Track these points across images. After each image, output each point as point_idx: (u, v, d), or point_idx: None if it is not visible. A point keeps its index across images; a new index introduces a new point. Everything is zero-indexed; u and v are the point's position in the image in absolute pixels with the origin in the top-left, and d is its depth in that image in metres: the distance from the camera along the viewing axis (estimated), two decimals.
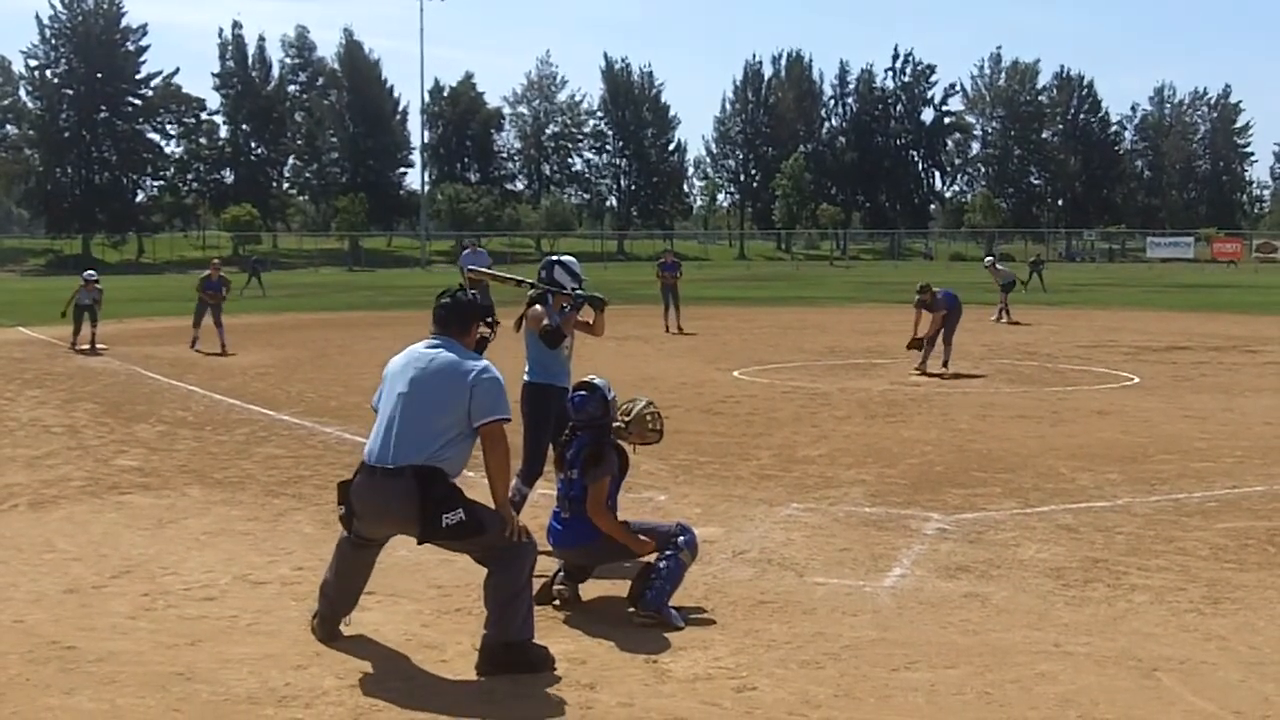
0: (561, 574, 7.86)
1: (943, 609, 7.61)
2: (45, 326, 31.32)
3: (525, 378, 9.26)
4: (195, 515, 10.39)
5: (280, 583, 8.32)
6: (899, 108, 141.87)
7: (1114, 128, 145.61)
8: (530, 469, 9.22)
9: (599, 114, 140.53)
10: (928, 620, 7.40)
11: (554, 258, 9.55)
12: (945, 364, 20.84)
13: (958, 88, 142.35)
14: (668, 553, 7.57)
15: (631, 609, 7.52)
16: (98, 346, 26.01)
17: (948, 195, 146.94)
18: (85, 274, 28.09)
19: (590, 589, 7.95)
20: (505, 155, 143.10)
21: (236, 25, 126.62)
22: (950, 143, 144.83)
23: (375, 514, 6.70)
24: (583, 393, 7.91)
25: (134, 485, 11.74)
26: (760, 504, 10.58)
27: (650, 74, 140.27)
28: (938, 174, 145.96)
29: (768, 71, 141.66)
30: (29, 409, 17.23)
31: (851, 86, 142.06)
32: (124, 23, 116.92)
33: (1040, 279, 53.07)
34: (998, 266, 36.63)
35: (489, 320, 7.45)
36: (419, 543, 6.74)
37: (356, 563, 7.09)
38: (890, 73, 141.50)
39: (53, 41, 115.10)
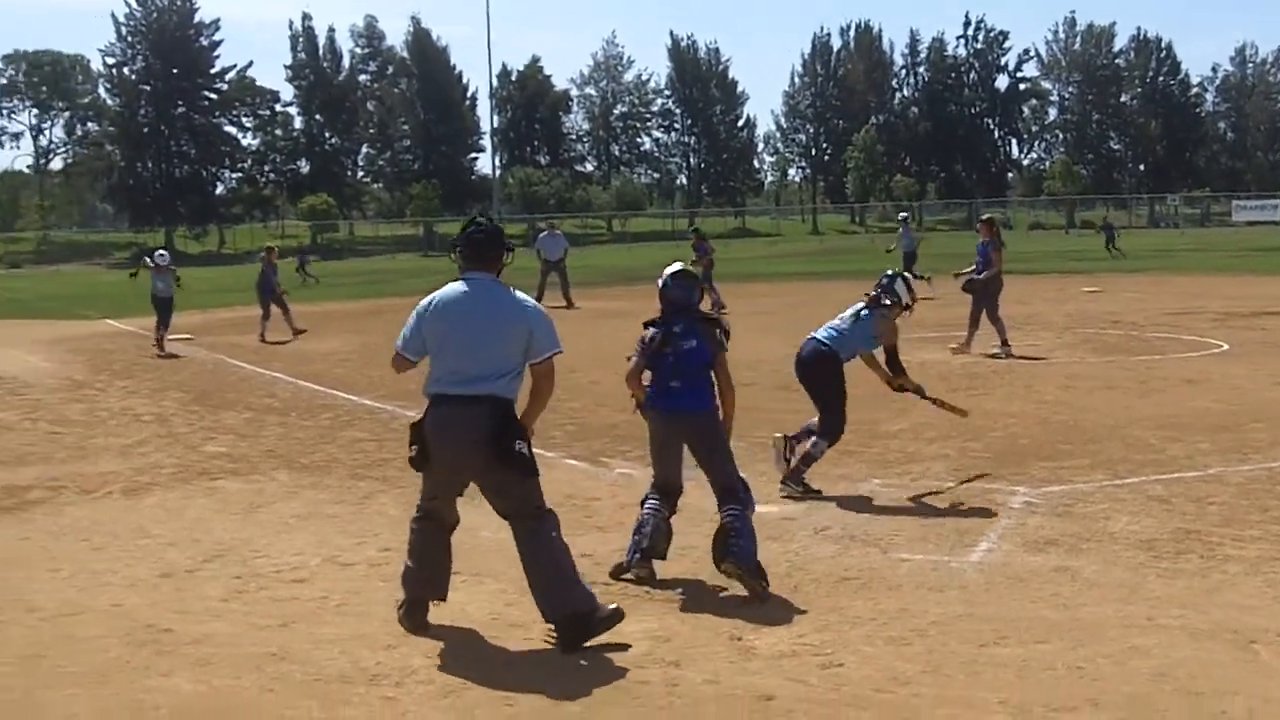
0: (637, 555, 7.91)
1: (1031, 584, 7.53)
2: (132, 318, 31.70)
3: (829, 348, 10.47)
4: (283, 499, 10.53)
5: (368, 564, 8.41)
6: (972, 76, 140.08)
7: (1194, 90, 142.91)
8: (841, 430, 10.46)
9: (666, 92, 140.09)
10: (1016, 595, 7.33)
11: (894, 273, 10.89)
12: (968, 344, 19.80)
13: (1032, 53, 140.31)
14: (734, 509, 7.78)
15: (723, 566, 7.64)
16: (167, 345, 23.90)
17: (1025, 163, 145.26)
18: (156, 255, 25.85)
19: (667, 568, 7.94)
20: (574, 137, 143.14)
21: (306, 17, 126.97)
22: (1026, 109, 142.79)
23: (451, 441, 6.88)
24: (687, 281, 8.34)
25: (223, 471, 11.90)
26: (841, 480, 10.52)
27: (717, 50, 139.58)
28: (1014, 142, 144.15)
29: (836, 43, 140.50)
30: (120, 398, 17.47)
31: (923, 56, 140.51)
32: (197, 18, 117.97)
33: (1113, 245, 52.42)
34: (912, 228, 34.84)
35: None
36: (483, 476, 6.91)
37: (432, 545, 7.20)
38: (962, 40, 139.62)
39: (129, 39, 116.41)
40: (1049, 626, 6.73)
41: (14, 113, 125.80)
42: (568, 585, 6.79)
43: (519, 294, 7.17)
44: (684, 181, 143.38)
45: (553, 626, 6.77)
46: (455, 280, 7.22)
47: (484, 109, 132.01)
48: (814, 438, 10.31)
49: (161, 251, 26.61)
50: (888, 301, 10.65)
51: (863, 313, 10.63)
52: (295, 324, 26.15)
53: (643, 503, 8.21)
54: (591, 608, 6.73)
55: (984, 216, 21.94)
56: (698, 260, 31.11)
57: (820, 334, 10.67)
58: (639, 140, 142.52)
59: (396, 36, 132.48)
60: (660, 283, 8.33)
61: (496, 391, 6.85)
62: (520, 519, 6.92)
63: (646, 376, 8.11)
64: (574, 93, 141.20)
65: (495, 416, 6.79)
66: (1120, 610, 6.98)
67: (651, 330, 8.22)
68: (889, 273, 11.00)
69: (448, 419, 6.89)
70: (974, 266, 20.32)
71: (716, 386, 8.16)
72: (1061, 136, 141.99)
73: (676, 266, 8.46)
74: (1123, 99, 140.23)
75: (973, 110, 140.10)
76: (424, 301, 7.31)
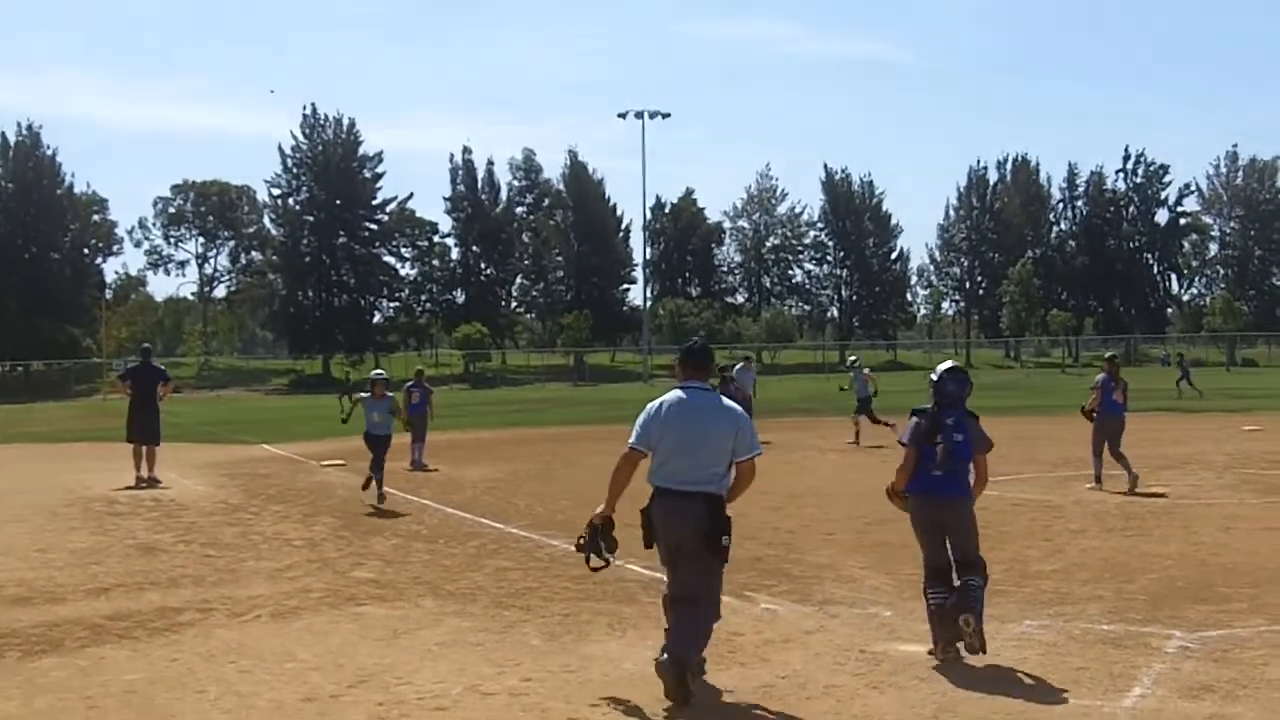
0: (940, 644, 8.99)
1: None
2: (288, 443, 32.43)
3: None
4: (428, 626, 10.58)
5: (509, 693, 8.39)
6: (1131, 209, 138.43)
7: None
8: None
9: (819, 225, 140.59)
10: None
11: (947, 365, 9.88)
12: (1098, 477, 19.81)
13: (1193, 188, 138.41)
14: (975, 580, 9.02)
15: (961, 617, 8.79)
16: (384, 490, 19.79)
17: (1185, 298, 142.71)
18: (373, 373, 20.88)
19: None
20: (726, 269, 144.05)
21: (467, 150, 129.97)
22: (1186, 244, 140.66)
23: (674, 529, 8.17)
24: (960, 375, 9.38)
25: (370, 597, 12.01)
26: (991, 620, 10.26)
27: (870, 183, 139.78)
28: (1174, 276, 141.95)
29: (993, 176, 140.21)
30: (272, 523, 17.78)
31: (1081, 189, 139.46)
32: (361, 151, 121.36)
33: (1188, 382, 51.62)
34: (865, 372, 32.40)
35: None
36: (689, 558, 8.15)
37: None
38: (1121, 174, 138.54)
39: (294, 170, 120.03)
40: None
41: (181, 241, 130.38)
42: (703, 642, 8.16)
43: (727, 401, 8.58)
44: (835, 314, 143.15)
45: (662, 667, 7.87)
46: (675, 388, 8.56)
47: (637, 240, 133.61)
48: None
49: (378, 371, 21.19)
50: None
51: None
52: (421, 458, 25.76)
53: (925, 594, 9.19)
54: (690, 666, 7.96)
55: (1107, 354, 21.97)
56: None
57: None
58: (791, 272, 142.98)
59: (553, 169, 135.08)
60: (934, 377, 9.32)
61: (711, 489, 8.17)
62: (703, 590, 8.16)
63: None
64: (727, 225, 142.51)
65: (710, 512, 8.12)
66: None
67: (916, 420, 9.23)
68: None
69: (669, 511, 8.19)
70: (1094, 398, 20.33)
71: (974, 475, 9.25)
72: (1222, 272, 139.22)
73: (949, 364, 9.53)
74: None
75: (1132, 244, 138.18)
76: (652, 404, 8.54)
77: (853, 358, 38.40)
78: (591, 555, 8.63)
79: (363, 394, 20.65)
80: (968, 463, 9.16)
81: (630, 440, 8.47)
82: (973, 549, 9.14)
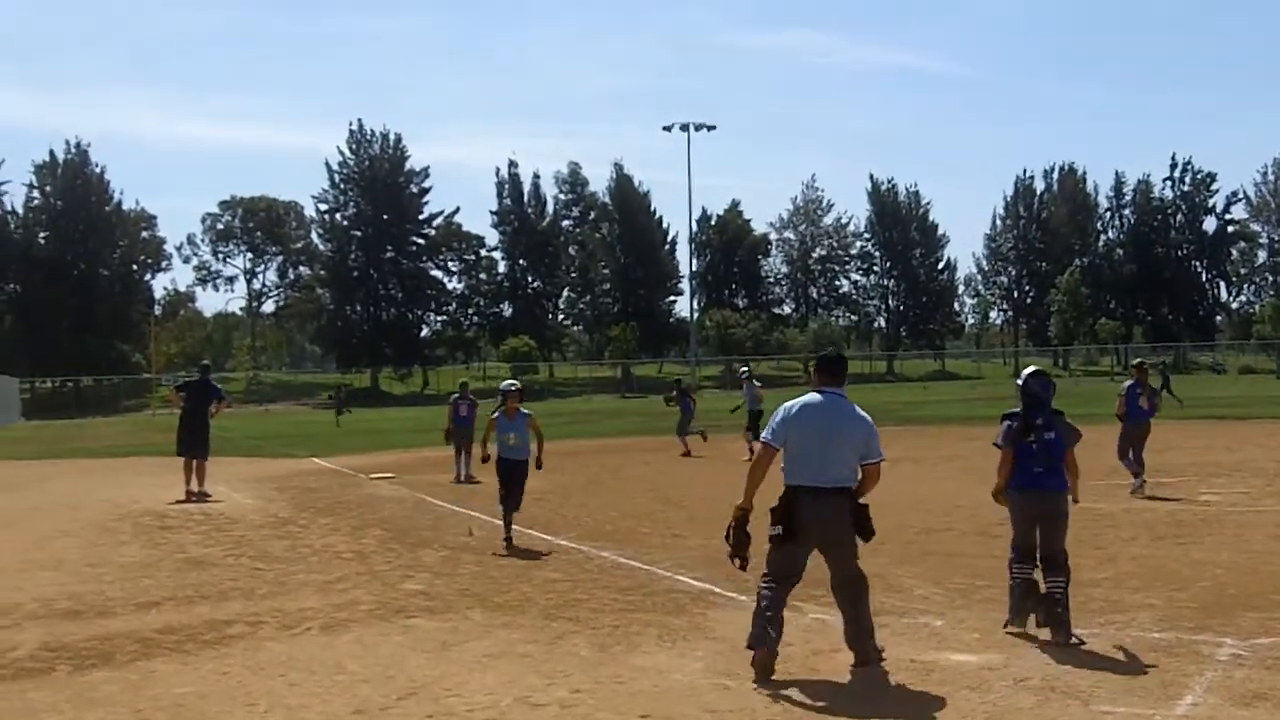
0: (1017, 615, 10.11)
1: None
2: (336, 456, 32.58)
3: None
4: (477, 638, 10.58)
5: (559, 705, 8.37)
6: (1179, 217, 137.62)
7: None
8: None
9: (866, 235, 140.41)
10: None
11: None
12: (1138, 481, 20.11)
13: (1240, 195, 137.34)
14: (1060, 581, 9.83)
15: (1041, 625, 9.87)
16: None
17: (1234, 306, 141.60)
18: (504, 385, 18.29)
19: None
20: (772, 280, 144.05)
21: (513, 164, 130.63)
22: (1234, 252, 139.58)
23: (818, 524, 8.90)
24: (1044, 379, 10.32)
25: (419, 609, 12.02)
26: (1042, 629, 10.22)
27: (917, 193, 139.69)
28: (1222, 284, 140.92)
29: (1039, 185, 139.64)
30: (321, 535, 17.87)
31: (1128, 197, 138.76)
32: (408, 166, 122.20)
33: (1168, 390, 50.75)
34: (755, 381, 32.13)
35: None
36: (838, 545, 9.01)
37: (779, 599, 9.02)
38: (1169, 182, 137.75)
39: (341, 186, 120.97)
40: None
41: (229, 257, 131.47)
42: (866, 636, 9.05)
43: (858, 408, 9.17)
44: (882, 324, 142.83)
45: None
46: (812, 392, 9.31)
47: (683, 252, 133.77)
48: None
49: (510, 382, 18.48)
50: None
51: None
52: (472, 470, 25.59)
53: (1010, 569, 10.18)
54: (873, 656, 9.03)
55: (1135, 361, 22.49)
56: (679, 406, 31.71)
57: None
58: (837, 283, 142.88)
59: (599, 182, 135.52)
60: (1021, 381, 10.31)
61: (848, 485, 9.00)
62: (851, 573, 9.02)
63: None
64: (773, 236, 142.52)
65: (852, 506, 8.99)
66: None
67: (1008, 422, 10.14)
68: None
69: (813, 508, 8.88)
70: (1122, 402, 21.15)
71: (1068, 469, 10.16)
72: (1271, 279, 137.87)
73: (1033, 368, 10.44)
74: None
75: (1180, 252, 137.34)
76: (787, 405, 9.23)
77: (744, 370, 37.28)
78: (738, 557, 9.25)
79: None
80: (1061, 459, 10.07)
81: (764, 436, 9.27)
82: (1060, 543, 9.98)
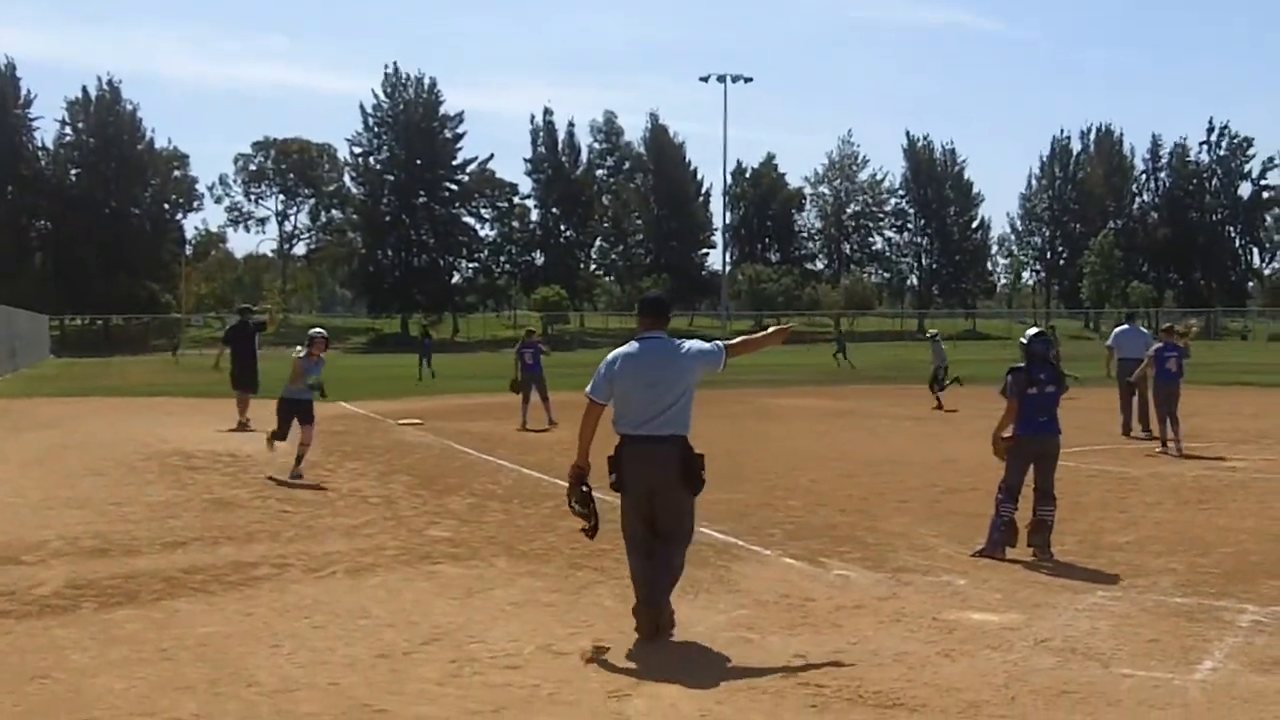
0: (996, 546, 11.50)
1: (1257, 704, 7.20)
2: (365, 401, 32.68)
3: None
4: (502, 586, 10.63)
5: (581, 654, 8.42)
6: (1214, 182, 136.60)
7: None
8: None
9: (900, 192, 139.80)
10: (1240, 716, 7.01)
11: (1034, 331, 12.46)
12: (1164, 440, 20.75)
13: (1276, 161, 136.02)
14: (1049, 508, 11.57)
15: (1033, 549, 11.42)
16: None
17: (1266, 273, 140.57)
18: (313, 331, 20.44)
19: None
20: (806, 235, 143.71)
21: (548, 112, 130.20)
22: (1269, 218, 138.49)
23: (644, 473, 8.61)
24: (1044, 338, 12.08)
25: (445, 555, 12.07)
26: (1064, 591, 10.23)
27: (952, 151, 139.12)
28: (1255, 250, 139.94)
29: (1076, 147, 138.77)
30: (348, 480, 17.93)
31: (1164, 161, 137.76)
32: (442, 111, 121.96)
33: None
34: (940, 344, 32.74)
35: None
36: (666, 497, 8.66)
37: (645, 553, 8.78)
38: (1205, 146, 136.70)
39: (375, 130, 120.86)
40: None
41: (261, 198, 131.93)
42: (664, 593, 8.68)
43: (685, 342, 8.85)
44: (914, 282, 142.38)
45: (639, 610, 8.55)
46: (633, 341, 8.95)
47: (717, 205, 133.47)
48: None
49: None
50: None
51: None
52: (552, 415, 25.89)
53: (997, 504, 11.54)
54: (665, 619, 8.63)
55: (1164, 326, 23.05)
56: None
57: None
58: (871, 240, 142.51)
59: (635, 132, 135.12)
60: (1024, 340, 11.98)
61: (682, 432, 8.64)
62: (675, 533, 8.74)
63: None
64: (807, 191, 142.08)
65: (681, 454, 8.60)
66: None
67: (1011, 375, 11.59)
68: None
69: (638, 453, 8.62)
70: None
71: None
72: None
73: (1035, 329, 12.27)
74: None
75: (1214, 217, 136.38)
76: (609, 357, 8.96)
77: (932, 330, 38.51)
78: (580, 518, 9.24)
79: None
80: (1057, 406, 11.75)
81: (587, 390, 8.96)
82: (1052, 478, 11.74)
